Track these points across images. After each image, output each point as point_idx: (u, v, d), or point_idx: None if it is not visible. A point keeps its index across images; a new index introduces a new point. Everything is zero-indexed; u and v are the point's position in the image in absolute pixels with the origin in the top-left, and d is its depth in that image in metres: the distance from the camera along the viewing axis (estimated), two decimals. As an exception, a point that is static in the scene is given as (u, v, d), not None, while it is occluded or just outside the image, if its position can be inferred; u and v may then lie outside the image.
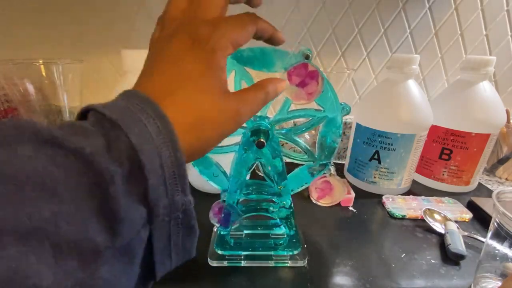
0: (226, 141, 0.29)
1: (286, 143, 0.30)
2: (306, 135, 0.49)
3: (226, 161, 0.30)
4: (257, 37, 0.22)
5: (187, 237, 0.18)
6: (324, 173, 0.29)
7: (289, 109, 0.28)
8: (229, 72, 0.25)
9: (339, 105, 0.27)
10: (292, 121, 0.32)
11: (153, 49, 0.20)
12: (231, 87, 0.26)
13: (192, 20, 0.19)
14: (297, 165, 0.30)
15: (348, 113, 0.27)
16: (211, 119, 0.18)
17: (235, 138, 0.28)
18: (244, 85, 0.26)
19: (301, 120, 0.29)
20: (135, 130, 0.14)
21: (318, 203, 0.31)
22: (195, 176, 0.47)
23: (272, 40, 0.23)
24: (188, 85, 0.18)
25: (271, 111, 0.26)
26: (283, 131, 0.28)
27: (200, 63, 0.18)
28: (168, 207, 0.15)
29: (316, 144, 0.29)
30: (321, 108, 0.27)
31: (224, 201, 0.30)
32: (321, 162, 0.29)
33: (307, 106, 0.27)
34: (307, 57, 0.24)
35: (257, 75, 0.26)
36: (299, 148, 0.30)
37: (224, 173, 0.31)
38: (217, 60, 0.18)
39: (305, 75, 0.24)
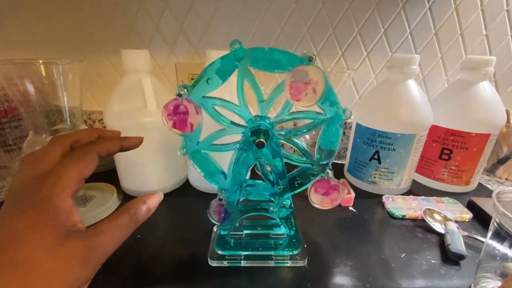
0: (225, 140, 0.29)
1: (286, 143, 0.30)
2: (307, 135, 0.49)
3: (224, 160, 0.30)
4: (107, 156, 0.23)
5: None
6: (322, 176, 0.30)
7: (290, 111, 0.28)
8: (233, 71, 0.25)
9: (340, 108, 0.27)
10: (292, 122, 0.32)
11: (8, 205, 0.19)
12: (232, 85, 0.27)
13: (31, 181, 0.19)
14: (297, 166, 0.30)
15: (348, 117, 0.27)
16: (47, 270, 0.17)
17: (234, 137, 0.28)
18: (247, 84, 0.26)
19: (302, 121, 0.29)
20: None
21: (317, 206, 0.31)
22: (195, 176, 0.47)
23: (126, 149, 0.24)
24: (18, 245, 0.17)
25: (271, 112, 0.26)
26: (283, 132, 0.28)
27: (35, 215, 0.18)
28: None
29: (315, 146, 0.29)
30: (321, 111, 0.27)
31: (221, 199, 0.30)
32: (319, 165, 0.29)
33: (308, 109, 0.27)
34: (310, 59, 0.24)
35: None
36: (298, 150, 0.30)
37: (223, 172, 0.30)
38: (54, 205, 0.18)
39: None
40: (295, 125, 0.51)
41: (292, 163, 0.30)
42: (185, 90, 0.25)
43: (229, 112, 0.28)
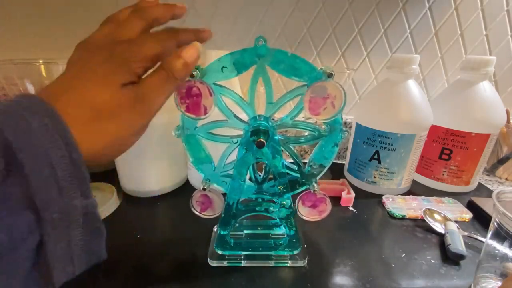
0: (222, 131, 0.29)
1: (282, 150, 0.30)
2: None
3: (216, 150, 0.30)
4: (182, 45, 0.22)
5: (93, 240, 0.17)
6: (308, 188, 0.30)
7: (295, 118, 0.28)
8: (250, 66, 0.25)
9: (341, 129, 0.27)
10: (294, 131, 0.32)
11: (71, 68, 0.20)
12: (231, 84, 0.27)
13: (113, 41, 0.19)
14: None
15: (345, 139, 0.28)
16: (109, 110, 0.17)
17: (232, 131, 0.28)
18: (260, 82, 0.26)
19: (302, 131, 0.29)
20: (12, 126, 0.13)
21: (306, 219, 0.31)
22: (195, 176, 0.47)
23: (200, 41, 0.23)
24: (87, 80, 0.17)
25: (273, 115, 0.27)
26: (281, 138, 0.28)
27: (107, 63, 0.18)
28: (65, 211, 0.14)
29: (308, 159, 0.30)
30: (324, 127, 0.28)
31: (204, 189, 0.30)
32: (307, 177, 0.30)
33: (312, 121, 0.27)
34: (329, 75, 0.24)
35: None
36: (291, 158, 0.30)
37: (212, 162, 0.30)
38: (127, 66, 0.18)
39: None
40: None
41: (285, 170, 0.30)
42: (198, 72, 0.24)
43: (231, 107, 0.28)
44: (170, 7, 0.22)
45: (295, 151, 0.30)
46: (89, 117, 0.17)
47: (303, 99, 0.25)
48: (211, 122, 0.28)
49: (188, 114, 0.26)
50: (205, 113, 0.26)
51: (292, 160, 0.30)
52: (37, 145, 0.13)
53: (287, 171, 0.29)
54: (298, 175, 0.30)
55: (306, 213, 0.31)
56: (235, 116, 0.28)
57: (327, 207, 0.30)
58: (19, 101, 0.14)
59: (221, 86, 0.26)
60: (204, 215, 0.32)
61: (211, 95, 0.25)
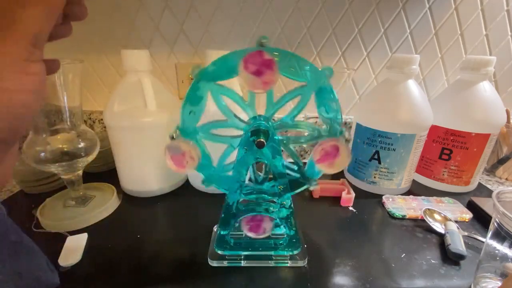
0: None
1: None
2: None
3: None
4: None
5: (13, 258, 0.13)
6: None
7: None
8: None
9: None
10: (294, 131, 0.32)
11: None
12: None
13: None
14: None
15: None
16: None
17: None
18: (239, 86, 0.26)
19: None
20: None
21: (317, 166, 0.28)
22: (195, 176, 0.47)
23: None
24: None
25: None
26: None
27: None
28: None
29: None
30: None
31: (173, 138, 0.28)
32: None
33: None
34: (261, 44, 0.23)
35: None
36: (291, 158, 0.30)
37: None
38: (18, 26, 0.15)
39: (261, 64, 0.23)
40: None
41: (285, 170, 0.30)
42: (178, 132, 0.27)
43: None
44: None
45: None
46: None
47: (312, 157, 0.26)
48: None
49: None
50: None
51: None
52: None
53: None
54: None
55: (248, 81, 0.24)
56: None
57: (274, 77, 0.23)
58: None
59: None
60: (181, 170, 0.28)
61: (194, 147, 0.26)
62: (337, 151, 0.26)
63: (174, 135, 0.27)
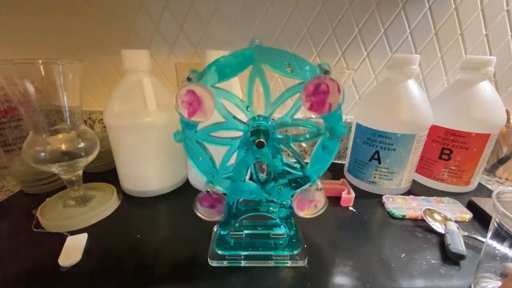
0: (221, 133, 0.28)
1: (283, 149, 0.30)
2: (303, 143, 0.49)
3: (217, 152, 0.30)
4: None
5: None
6: (311, 186, 0.30)
7: (295, 116, 0.28)
8: (246, 66, 0.25)
9: (342, 127, 0.27)
10: (295, 129, 0.32)
11: None
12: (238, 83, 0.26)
13: None
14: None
15: (347, 134, 0.27)
16: None
17: (231, 132, 0.28)
18: (258, 83, 0.26)
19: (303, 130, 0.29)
20: None
21: (301, 215, 0.31)
22: (195, 176, 0.47)
23: None
24: None
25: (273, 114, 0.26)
26: (282, 137, 0.28)
27: None
28: None
29: (310, 157, 0.30)
30: (324, 125, 0.27)
31: (208, 191, 0.30)
32: (308, 175, 0.30)
33: (312, 118, 0.27)
34: (326, 72, 0.24)
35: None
36: (292, 156, 0.30)
37: (211, 159, 0.30)
38: None
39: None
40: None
41: (286, 168, 0.30)
42: (195, 75, 0.24)
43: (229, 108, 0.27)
44: None
45: (297, 150, 0.30)
46: None
47: (300, 96, 0.25)
48: (211, 125, 0.28)
49: (191, 119, 0.26)
50: (206, 116, 0.26)
51: (293, 159, 0.30)
52: None
53: (289, 169, 0.29)
54: (301, 173, 0.30)
55: (204, 213, 0.31)
56: (235, 118, 0.28)
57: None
58: None
59: (219, 88, 0.26)
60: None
61: (211, 96, 0.25)
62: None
63: (190, 76, 0.24)
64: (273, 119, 0.28)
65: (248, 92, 0.26)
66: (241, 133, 0.28)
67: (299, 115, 0.28)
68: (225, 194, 0.30)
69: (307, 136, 0.28)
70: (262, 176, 0.31)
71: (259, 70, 0.25)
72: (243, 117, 0.28)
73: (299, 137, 0.29)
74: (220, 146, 0.29)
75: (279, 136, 0.28)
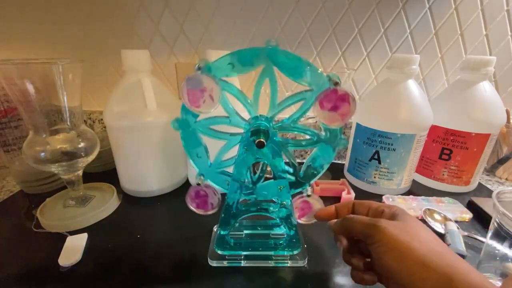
0: (220, 128, 0.28)
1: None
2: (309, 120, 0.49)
3: (214, 145, 0.30)
4: None
5: None
6: (302, 191, 0.30)
7: (297, 121, 0.28)
8: (257, 66, 0.25)
9: (341, 136, 0.27)
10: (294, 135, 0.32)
11: None
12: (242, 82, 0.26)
13: None
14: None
15: (344, 146, 0.28)
16: None
17: (231, 128, 0.28)
18: (267, 83, 0.26)
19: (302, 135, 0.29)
20: None
21: (299, 221, 0.31)
22: (195, 175, 0.47)
23: None
24: None
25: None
26: (281, 139, 0.28)
27: None
28: None
29: (304, 163, 0.30)
30: (323, 133, 0.28)
31: (199, 184, 0.30)
32: (302, 179, 0.30)
33: (312, 122, 0.27)
34: (336, 84, 0.24)
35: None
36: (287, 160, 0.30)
37: (208, 158, 0.30)
38: None
39: (336, 99, 0.24)
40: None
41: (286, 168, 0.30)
42: (205, 64, 0.24)
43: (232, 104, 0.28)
44: None
45: (293, 154, 0.30)
46: None
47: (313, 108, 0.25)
48: (212, 117, 0.28)
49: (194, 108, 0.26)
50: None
51: (288, 162, 0.30)
52: None
53: (282, 174, 0.29)
54: (293, 178, 0.30)
55: (326, 118, 0.25)
56: (237, 114, 0.28)
57: (351, 107, 0.24)
58: None
59: (227, 82, 0.26)
60: (200, 212, 0.31)
61: (218, 86, 0.25)
62: (309, 205, 0.31)
63: (200, 65, 0.24)
64: (275, 121, 0.28)
65: (255, 91, 0.26)
66: (240, 130, 0.28)
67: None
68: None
69: (307, 142, 0.29)
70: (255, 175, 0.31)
71: (270, 71, 0.25)
72: (245, 115, 0.28)
73: (298, 142, 0.29)
74: (218, 139, 0.29)
75: (279, 138, 0.28)
